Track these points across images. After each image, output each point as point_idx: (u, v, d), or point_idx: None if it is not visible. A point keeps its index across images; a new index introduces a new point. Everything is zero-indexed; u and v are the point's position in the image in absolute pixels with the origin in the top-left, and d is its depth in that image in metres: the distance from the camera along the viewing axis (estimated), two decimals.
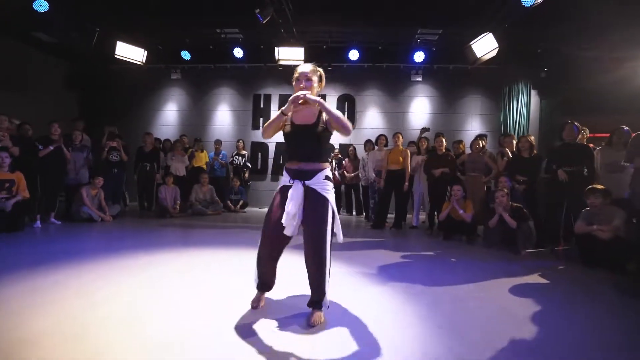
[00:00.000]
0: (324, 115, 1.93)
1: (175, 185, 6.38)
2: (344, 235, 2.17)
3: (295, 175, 1.96)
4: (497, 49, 5.27)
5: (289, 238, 1.96)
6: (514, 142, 5.05)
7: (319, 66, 2.14)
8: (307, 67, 2.00)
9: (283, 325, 1.90)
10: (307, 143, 1.94)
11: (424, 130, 6.56)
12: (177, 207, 6.29)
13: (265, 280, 2.12)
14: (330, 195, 1.93)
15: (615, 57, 6.33)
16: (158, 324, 1.84)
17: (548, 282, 2.99)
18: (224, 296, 2.33)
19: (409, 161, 5.47)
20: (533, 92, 7.55)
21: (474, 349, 1.69)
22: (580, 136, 4.08)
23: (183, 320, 1.90)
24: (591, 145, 4.39)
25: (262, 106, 8.20)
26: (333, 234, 1.95)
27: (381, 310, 2.18)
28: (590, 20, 5.71)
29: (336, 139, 8.02)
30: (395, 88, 7.95)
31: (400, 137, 5.55)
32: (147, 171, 6.33)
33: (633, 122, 4.91)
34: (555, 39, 6.53)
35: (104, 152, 6.05)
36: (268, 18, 4.60)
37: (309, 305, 1.98)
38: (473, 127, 7.83)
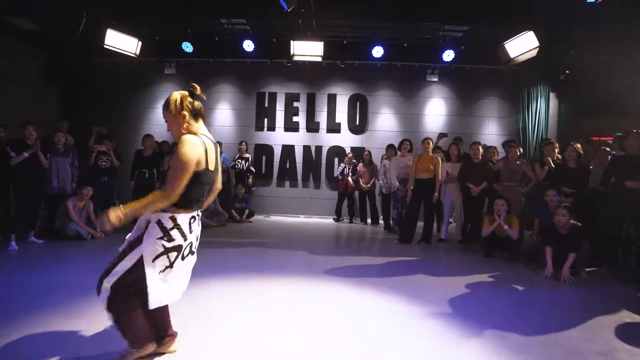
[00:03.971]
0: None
1: None
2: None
3: None
4: (538, 48, 4.88)
5: None
6: (556, 150, 4.68)
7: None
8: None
9: None
10: None
11: (441, 136, 6.15)
12: None
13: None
14: (149, 240, 1.62)
15: (635, 60, 6.13)
16: None
17: None
18: None
19: (440, 169, 5.01)
20: (552, 95, 7.28)
21: None
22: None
23: None
24: None
25: (266, 105, 7.54)
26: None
27: None
28: (611, 24, 5.45)
29: (348, 141, 7.50)
30: (409, 88, 7.49)
31: (431, 143, 5.09)
32: (146, 178, 5.57)
33: None
34: (576, 42, 6.24)
35: (92, 156, 5.25)
36: (293, 6, 4.00)
37: None
38: (490, 130, 7.49)
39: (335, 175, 7.30)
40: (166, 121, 1.73)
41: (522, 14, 5.10)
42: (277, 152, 7.50)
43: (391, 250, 4.68)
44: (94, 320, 2.19)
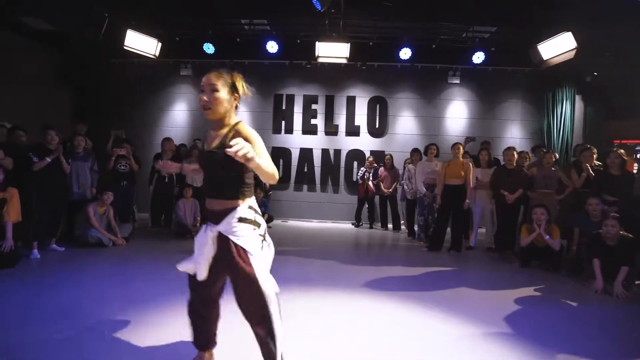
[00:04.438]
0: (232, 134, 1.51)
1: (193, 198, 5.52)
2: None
3: (207, 216, 1.60)
4: (576, 50, 4.70)
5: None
6: (594, 155, 4.50)
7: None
8: (211, 74, 1.55)
9: None
10: (215, 173, 1.56)
11: (468, 140, 5.97)
12: (198, 225, 5.43)
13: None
14: (249, 241, 1.50)
15: None
16: None
17: None
18: None
19: (471, 175, 4.84)
20: (577, 98, 7.09)
21: None
22: None
23: None
24: None
25: (284, 107, 7.39)
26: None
27: None
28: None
29: (367, 144, 7.34)
30: (430, 91, 7.32)
31: (461, 148, 4.91)
32: (166, 183, 5.42)
33: None
34: (609, 44, 6.04)
35: (112, 160, 5.11)
36: (326, 6, 3.84)
37: None
38: (513, 133, 7.31)
39: (354, 179, 7.14)
40: (217, 91, 1.50)
41: (553, 14, 4.93)
42: (295, 155, 7.34)
43: (422, 259, 4.50)
44: (115, 331, 2.03)
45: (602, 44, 5.71)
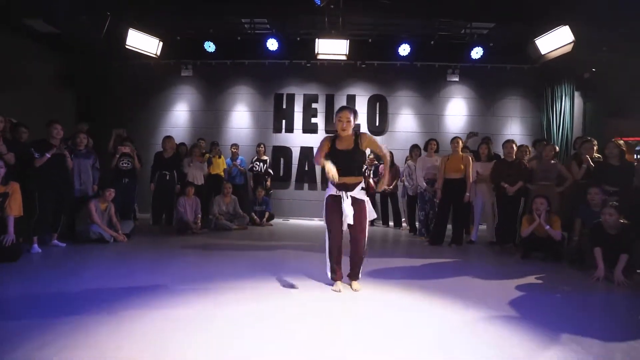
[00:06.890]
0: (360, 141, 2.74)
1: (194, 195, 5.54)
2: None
3: (342, 188, 2.72)
4: (573, 43, 4.74)
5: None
6: (595, 147, 4.52)
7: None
8: (346, 112, 2.71)
9: None
10: (350, 163, 2.73)
11: (471, 135, 6.01)
12: (199, 222, 5.44)
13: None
14: (365, 198, 2.84)
15: None
16: None
17: None
18: None
19: (471, 169, 4.85)
20: (576, 94, 7.12)
21: None
22: None
23: None
24: None
25: (284, 107, 7.44)
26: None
27: None
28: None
29: None
30: (430, 89, 7.37)
31: (460, 142, 4.93)
32: (167, 180, 5.44)
33: None
34: (607, 39, 6.08)
35: (115, 158, 5.15)
36: (326, 2, 3.89)
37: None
38: (513, 130, 7.34)
39: None
40: (350, 122, 2.66)
41: (550, 9, 4.98)
42: (296, 154, 7.38)
43: (423, 252, 4.50)
44: (117, 317, 2.03)
45: (600, 39, 5.75)
